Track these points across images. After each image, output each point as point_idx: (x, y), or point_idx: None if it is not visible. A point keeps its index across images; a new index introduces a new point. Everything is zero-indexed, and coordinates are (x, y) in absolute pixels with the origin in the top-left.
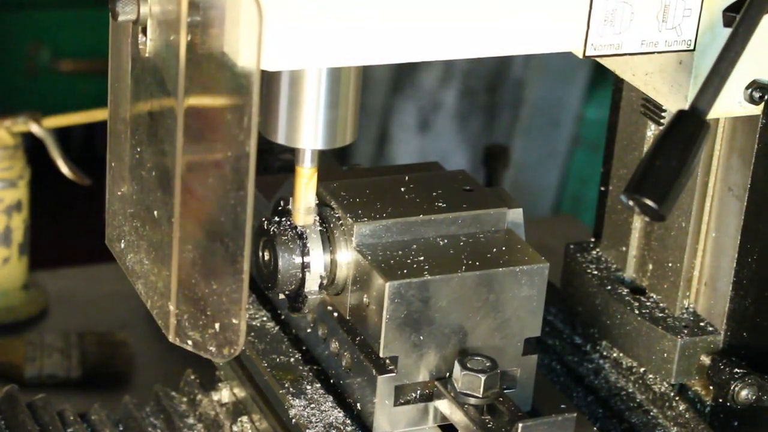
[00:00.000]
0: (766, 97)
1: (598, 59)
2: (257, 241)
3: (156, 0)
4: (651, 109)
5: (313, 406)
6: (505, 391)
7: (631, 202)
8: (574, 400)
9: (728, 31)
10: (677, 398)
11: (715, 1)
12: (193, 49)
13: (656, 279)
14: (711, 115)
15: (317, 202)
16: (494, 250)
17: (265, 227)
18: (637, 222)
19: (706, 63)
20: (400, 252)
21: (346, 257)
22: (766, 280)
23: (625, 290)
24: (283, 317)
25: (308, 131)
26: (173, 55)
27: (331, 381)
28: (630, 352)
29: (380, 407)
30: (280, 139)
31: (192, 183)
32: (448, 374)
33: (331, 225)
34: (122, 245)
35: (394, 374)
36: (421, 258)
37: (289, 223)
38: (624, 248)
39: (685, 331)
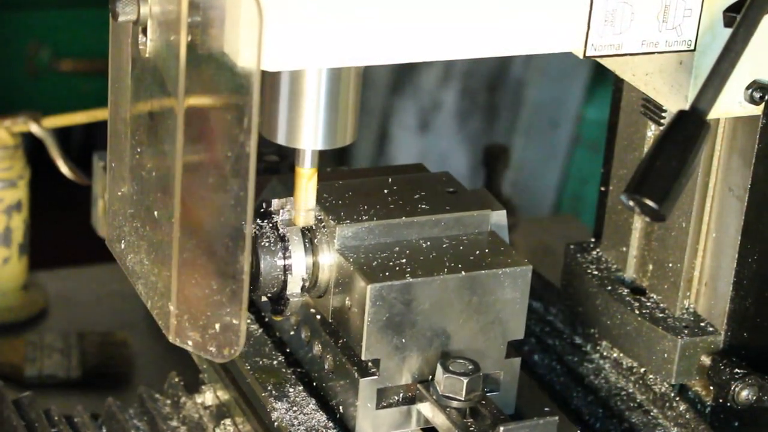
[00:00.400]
0: (766, 97)
1: (598, 59)
2: None
3: (156, 0)
4: (651, 109)
5: (295, 409)
6: (489, 394)
7: (631, 203)
8: (574, 400)
9: (728, 31)
10: (677, 398)
11: (715, 1)
12: (194, 49)
13: (656, 279)
14: (711, 115)
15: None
16: (477, 252)
17: None
18: (638, 222)
19: (707, 63)
20: (382, 254)
21: (328, 260)
22: (767, 281)
23: (626, 290)
24: (266, 319)
25: (308, 132)
26: (173, 55)
27: (314, 384)
28: (630, 352)
29: (363, 410)
30: (280, 139)
31: (192, 183)
32: (430, 377)
33: (313, 227)
34: (122, 245)
35: (376, 377)
36: (404, 260)
37: (270, 225)
38: (624, 248)
39: (686, 332)
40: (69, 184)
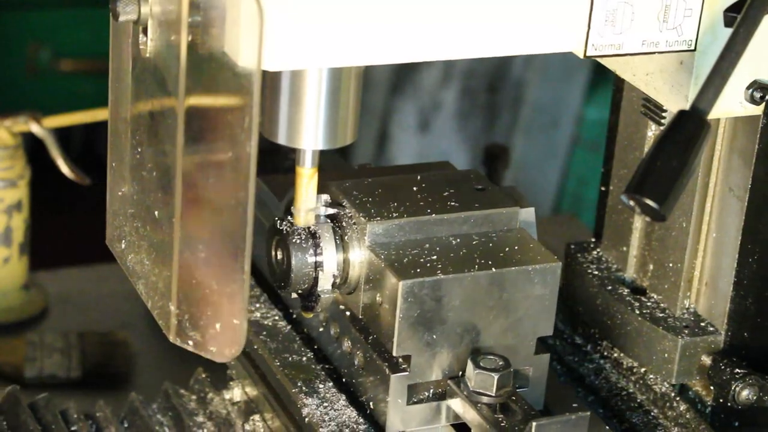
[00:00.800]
0: (766, 97)
1: (598, 59)
2: (270, 241)
3: (156, 0)
4: (651, 109)
5: (326, 405)
6: (518, 390)
7: (631, 202)
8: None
9: (729, 31)
10: (678, 398)
11: (716, 1)
12: (194, 49)
13: (657, 279)
14: (712, 115)
15: (330, 201)
16: (507, 249)
17: (278, 226)
18: (638, 222)
19: (707, 63)
20: (412, 251)
21: (359, 256)
22: (767, 280)
23: (626, 290)
24: (294, 316)
25: (309, 132)
26: (174, 55)
27: (344, 380)
28: (631, 352)
29: (393, 406)
30: (281, 139)
31: (193, 183)
32: (460, 373)
33: (344, 224)
34: (123, 245)
35: (407, 373)
36: (434, 257)
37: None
38: (624, 248)
39: (686, 332)
40: (69, 184)
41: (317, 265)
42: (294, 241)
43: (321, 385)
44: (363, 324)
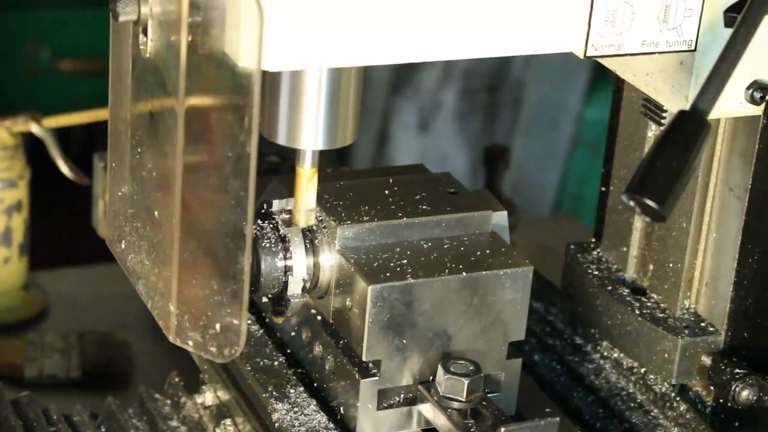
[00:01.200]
0: (767, 97)
1: (598, 59)
2: None
3: (157, 0)
4: (652, 109)
5: (296, 410)
6: (490, 395)
7: (631, 203)
8: (575, 400)
9: (729, 31)
10: (678, 399)
11: (716, 1)
12: (194, 49)
13: (657, 279)
14: (712, 115)
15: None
16: (478, 253)
17: None
18: (638, 222)
19: (707, 63)
20: (383, 255)
21: (329, 260)
22: (767, 281)
23: (626, 290)
24: (267, 320)
25: (309, 132)
26: (174, 55)
27: (315, 385)
28: (631, 352)
29: (363, 411)
30: (281, 139)
31: (192, 183)
32: (431, 378)
33: (314, 228)
34: (123, 246)
35: (377, 378)
36: (405, 261)
37: (271, 226)
38: (625, 248)
39: (686, 332)
40: (69, 184)
41: (287, 269)
42: (263, 245)
43: (292, 390)
44: (334, 328)
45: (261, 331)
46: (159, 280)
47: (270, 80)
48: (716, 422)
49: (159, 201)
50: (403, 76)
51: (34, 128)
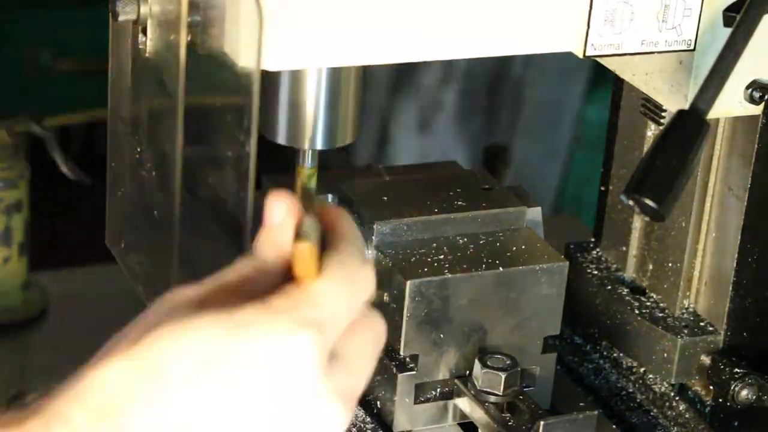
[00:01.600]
0: (766, 96)
1: (598, 59)
2: None
3: (156, 0)
4: (651, 108)
5: None
6: (525, 389)
7: (631, 202)
8: None
9: (728, 30)
10: (677, 398)
11: (715, 0)
12: (193, 49)
13: (656, 279)
14: (711, 115)
15: (337, 200)
16: (514, 248)
17: None
18: (637, 222)
19: (707, 63)
20: (420, 251)
21: (367, 256)
22: (767, 280)
23: (625, 290)
24: None
25: (308, 131)
26: (173, 55)
27: None
28: (630, 352)
29: (400, 405)
30: (281, 139)
31: (192, 183)
32: (468, 372)
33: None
34: (122, 245)
35: (414, 372)
36: (441, 257)
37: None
38: (624, 248)
39: (686, 331)
40: (69, 184)
41: None
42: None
43: None
44: None
45: None
46: (159, 280)
47: (269, 79)
48: (715, 422)
49: (158, 201)
50: (403, 76)
51: (34, 128)
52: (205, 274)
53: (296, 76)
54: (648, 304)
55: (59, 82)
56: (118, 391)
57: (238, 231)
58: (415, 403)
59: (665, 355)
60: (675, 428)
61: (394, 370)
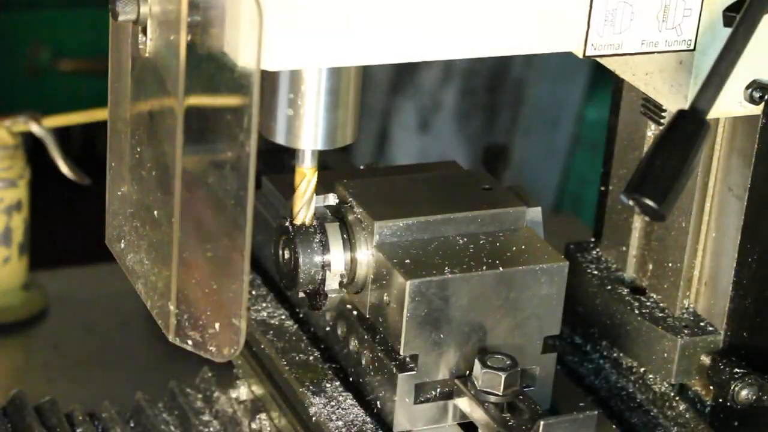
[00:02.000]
0: (766, 96)
1: (598, 59)
2: (277, 241)
3: (156, 0)
4: (651, 108)
5: (333, 404)
6: (525, 389)
7: (631, 202)
8: None
9: (728, 30)
10: (677, 398)
11: (715, 0)
12: (193, 49)
13: (656, 279)
14: (711, 115)
15: (338, 200)
16: (514, 248)
17: (285, 226)
18: (637, 222)
19: (706, 63)
20: (420, 251)
21: (366, 256)
22: (766, 280)
23: (625, 290)
24: (301, 315)
25: (308, 131)
26: (173, 55)
27: (350, 379)
28: (630, 352)
29: (400, 405)
30: (280, 139)
31: (192, 183)
32: (468, 372)
33: (352, 223)
34: (122, 245)
35: (414, 372)
36: (441, 257)
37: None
38: (624, 248)
39: (686, 331)
40: (69, 184)
41: (324, 265)
42: (301, 240)
43: (328, 385)
44: (370, 323)
45: (295, 326)
46: (158, 279)
47: (269, 79)
48: (715, 422)
49: (158, 200)
50: (403, 76)
51: (34, 128)
52: (204, 274)
53: (296, 76)
54: (648, 304)
55: (59, 82)
56: None
57: (238, 231)
58: (415, 403)
59: (665, 355)
60: (675, 428)
61: (395, 370)
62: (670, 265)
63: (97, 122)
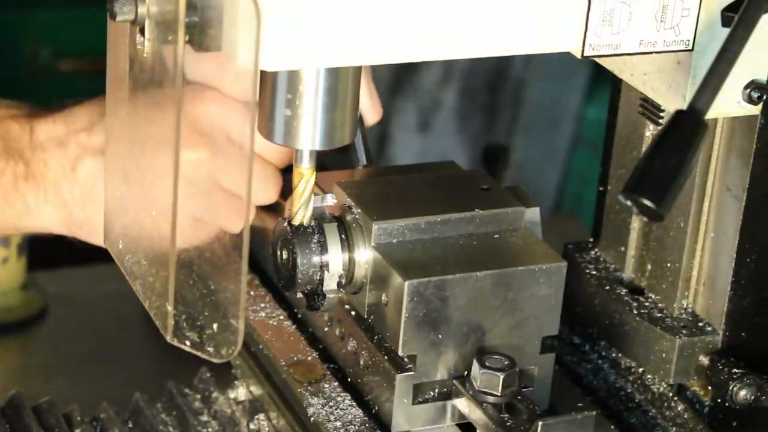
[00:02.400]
0: (764, 97)
1: (596, 59)
2: (275, 241)
3: (154, 0)
4: (649, 109)
5: (331, 404)
6: (523, 390)
7: (629, 203)
8: None
9: (726, 31)
10: (676, 398)
11: (713, 1)
12: (191, 49)
13: (655, 279)
14: (709, 115)
15: (335, 201)
16: (512, 248)
17: (284, 227)
18: (636, 222)
19: (705, 63)
20: (418, 251)
21: (365, 256)
22: (765, 280)
23: (624, 290)
24: (299, 316)
25: (306, 132)
26: (171, 55)
27: (349, 380)
28: (628, 352)
29: (398, 405)
30: (278, 139)
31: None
32: (466, 373)
33: (350, 224)
34: (120, 246)
35: (412, 373)
36: (439, 257)
37: (306, 223)
38: (623, 248)
39: (684, 331)
40: None
41: (323, 265)
42: (299, 241)
43: (326, 385)
44: (368, 324)
45: (294, 326)
46: (156, 280)
47: (267, 79)
48: (714, 422)
49: (156, 200)
50: (403, 76)
51: None
52: (202, 275)
53: (294, 76)
54: (646, 304)
55: (59, 82)
56: None
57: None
58: (413, 404)
59: (664, 355)
60: (673, 428)
61: (393, 370)
62: (668, 265)
63: None
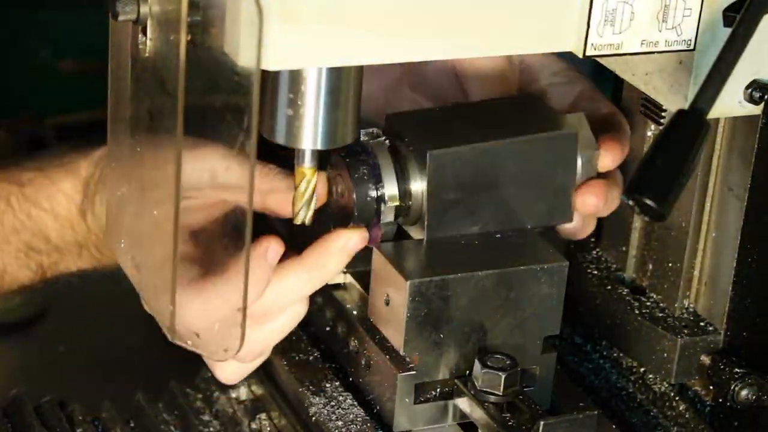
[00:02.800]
0: (766, 96)
1: (598, 59)
2: (330, 177)
3: (156, 0)
4: (651, 108)
5: (333, 404)
6: (525, 389)
7: (631, 202)
8: None
9: (728, 30)
10: (677, 398)
11: (715, 0)
12: (193, 48)
13: (656, 279)
14: (711, 114)
15: (382, 134)
16: (514, 248)
17: (339, 160)
18: (637, 222)
19: (706, 63)
20: (419, 250)
21: (420, 186)
22: (766, 280)
23: (625, 290)
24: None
25: (308, 131)
26: (173, 54)
27: (350, 379)
28: (630, 352)
29: (400, 405)
30: (280, 139)
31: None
32: (468, 372)
33: (403, 154)
34: (122, 245)
35: (414, 372)
36: (441, 256)
37: (364, 154)
38: (624, 248)
39: (685, 331)
40: None
41: (379, 198)
42: (355, 176)
43: (328, 384)
44: (370, 323)
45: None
46: (158, 279)
47: (269, 79)
48: (715, 422)
49: (158, 200)
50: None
51: (35, 128)
52: (203, 274)
53: (296, 76)
54: (648, 304)
55: (59, 82)
56: None
57: (239, 231)
58: (414, 403)
59: (665, 355)
60: (675, 428)
61: (394, 369)
62: (670, 265)
63: (97, 122)
